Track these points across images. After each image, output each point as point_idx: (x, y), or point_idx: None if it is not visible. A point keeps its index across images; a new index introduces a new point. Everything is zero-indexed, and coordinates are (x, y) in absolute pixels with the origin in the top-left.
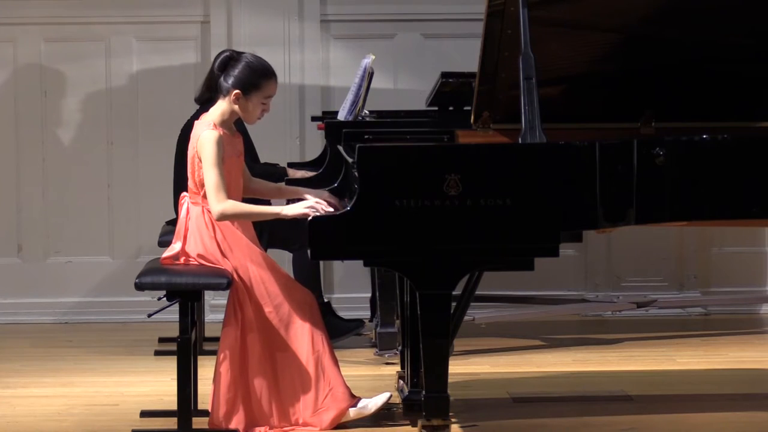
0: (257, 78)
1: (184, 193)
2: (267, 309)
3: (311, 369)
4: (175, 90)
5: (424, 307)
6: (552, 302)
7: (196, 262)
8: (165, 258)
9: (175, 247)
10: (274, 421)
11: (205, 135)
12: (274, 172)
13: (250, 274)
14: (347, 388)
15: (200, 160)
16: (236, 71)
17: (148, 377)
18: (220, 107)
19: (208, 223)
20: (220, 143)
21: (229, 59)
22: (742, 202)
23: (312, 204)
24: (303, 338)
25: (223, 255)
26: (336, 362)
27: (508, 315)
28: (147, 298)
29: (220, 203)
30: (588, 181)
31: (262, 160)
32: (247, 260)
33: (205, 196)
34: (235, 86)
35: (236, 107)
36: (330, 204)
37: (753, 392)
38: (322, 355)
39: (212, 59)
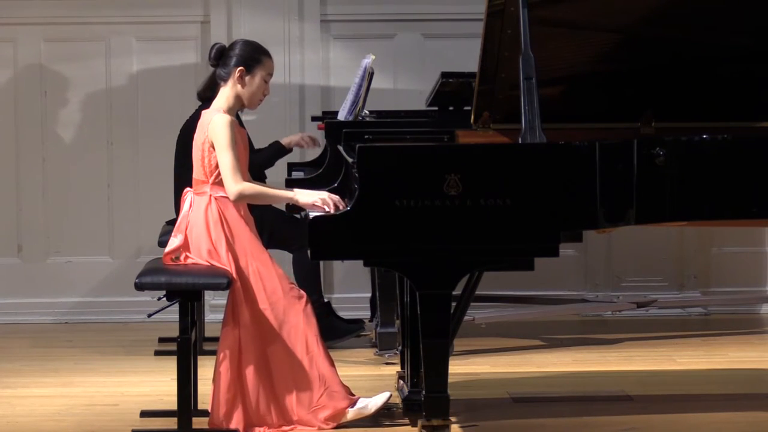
0: (258, 54)
1: (188, 189)
2: (262, 306)
3: (306, 368)
4: (175, 90)
5: (424, 307)
6: (552, 302)
7: (197, 256)
8: (167, 253)
9: (176, 240)
10: (273, 421)
11: (218, 119)
12: (275, 153)
13: (250, 268)
14: (344, 387)
15: (212, 146)
16: (236, 51)
17: (148, 377)
18: (224, 94)
19: (215, 211)
20: (233, 126)
21: (224, 48)
22: (742, 202)
23: (324, 198)
24: (297, 338)
25: (228, 247)
26: (331, 362)
27: (508, 315)
28: (147, 298)
29: (238, 184)
30: (588, 181)
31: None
32: (248, 254)
33: (214, 183)
34: (237, 64)
35: (239, 87)
36: (336, 204)
37: (753, 392)
38: (316, 356)
39: None
